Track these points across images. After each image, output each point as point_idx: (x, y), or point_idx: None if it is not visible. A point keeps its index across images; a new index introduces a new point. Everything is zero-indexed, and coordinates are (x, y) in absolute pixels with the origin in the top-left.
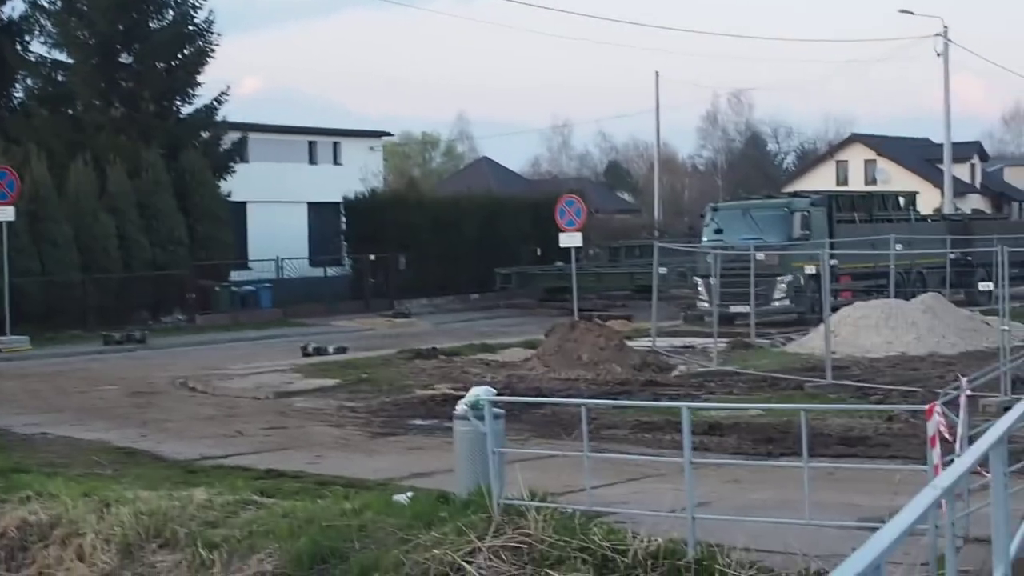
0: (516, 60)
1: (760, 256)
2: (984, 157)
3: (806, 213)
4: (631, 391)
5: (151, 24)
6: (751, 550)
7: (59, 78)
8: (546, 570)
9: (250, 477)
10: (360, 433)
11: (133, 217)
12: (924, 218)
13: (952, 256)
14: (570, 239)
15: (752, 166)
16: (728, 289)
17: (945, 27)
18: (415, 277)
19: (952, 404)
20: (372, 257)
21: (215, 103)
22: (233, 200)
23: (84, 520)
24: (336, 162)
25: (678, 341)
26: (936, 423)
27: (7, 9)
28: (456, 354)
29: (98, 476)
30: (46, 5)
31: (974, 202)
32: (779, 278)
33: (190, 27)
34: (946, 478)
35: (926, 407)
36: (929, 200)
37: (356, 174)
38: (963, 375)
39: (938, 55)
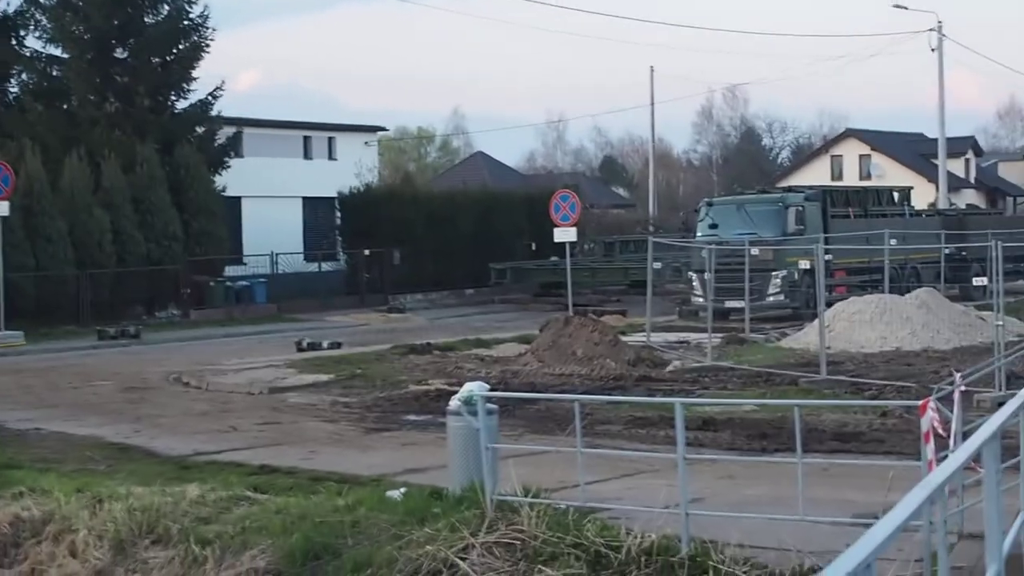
0: (511, 55)
1: (755, 251)
2: (979, 152)
3: (800, 208)
4: (625, 386)
5: (146, 19)
6: (745, 546)
7: (54, 73)
8: (539, 566)
9: (243, 473)
10: (354, 429)
11: (128, 212)
12: (919, 213)
13: (947, 251)
14: (565, 234)
15: (747, 161)
16: (723, 284)
17: (939, 22)
18: (410, 272)
19: (946, 400)
20: (367, 252)
21: (210, 98)
22: (228, 195)
23: (77, 516)
24: (331, 157)
25: (673, 336)
26: (930, 419)
27: (2, 4)
28: (450, 349)
29: (91, 472)
30: (41, 0)
31: (969, 197)
32: (774, 273)
33: (185, 22)
34: (938, 476)
35: (920, 403)
36: (924, 195)
37: (351, 169)
38: (957, 370)
39: (932, 50)
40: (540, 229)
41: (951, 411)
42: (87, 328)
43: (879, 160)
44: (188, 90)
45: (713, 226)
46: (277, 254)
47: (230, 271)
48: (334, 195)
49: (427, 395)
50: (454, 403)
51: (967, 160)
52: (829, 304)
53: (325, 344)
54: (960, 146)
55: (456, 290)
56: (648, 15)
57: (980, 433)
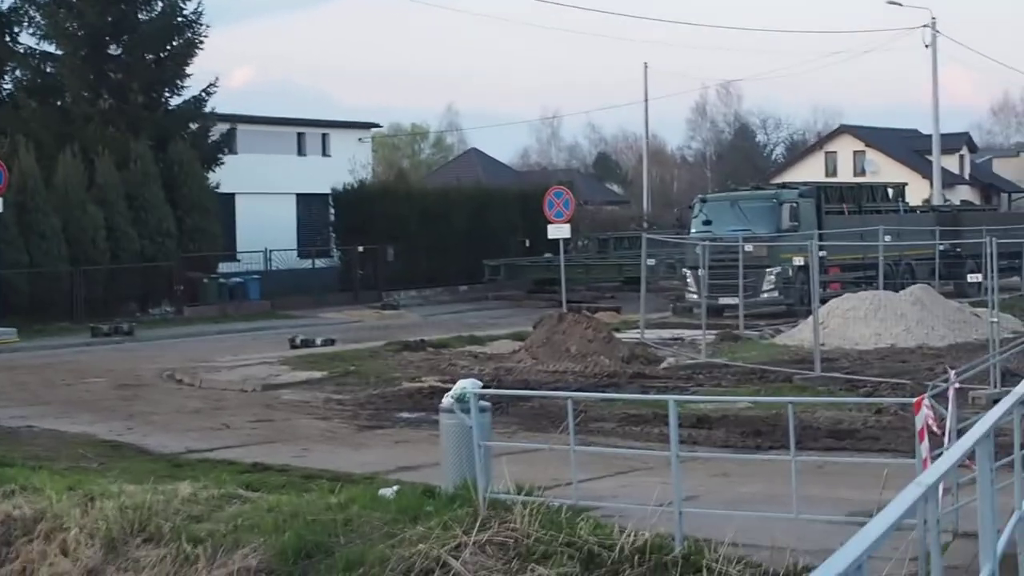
0: (506, 51)
1: (748, 248)
2: (973, 148)
3: (794, 204)
4: (619, 383)
5: (140, 16)
6: (739, 545)
7: (48, 70)
8: (532, 565)
9: (236, 471)
10: (347, 426)
11: (121, 209)
12: (913, 209)
13: (941, 248)
14: (558, 231)
15: (741, 157)
16: (717, 281)
17: (933, 18)
18: (404, 269)
19: (941, 397)
20: (360, 249)
21: (204, 95)
22: (222, 192)
23: (68, 514)
24: (325, 153)
25: (667, 333)
26: (924, 416)
27: None
28: (444, 346)
29: (83, 470)
30: None
31: (963, 193)
32: (768, 270)
33: (179, 19)
34: (930, 475)
35: (914, 400)
36: (918, 191)
37: (345, 166)
38: (952, 368)
39: (926, 47)
40: (534, 226)
41: (946, 408)
42: (81, 325)
43: (873, 156)
44: (182, 87)
45: (707, 222)
46: (271, 251)
47: (224, 268)
48: (328, 192)
49: (420, 392)
50: (447, 400)
51: (961, 156)
52: (823, 301)
53: (318, 341)
54: (954, 142)
55: (450, 287)
56: (643, 11)
57: (974, 431)
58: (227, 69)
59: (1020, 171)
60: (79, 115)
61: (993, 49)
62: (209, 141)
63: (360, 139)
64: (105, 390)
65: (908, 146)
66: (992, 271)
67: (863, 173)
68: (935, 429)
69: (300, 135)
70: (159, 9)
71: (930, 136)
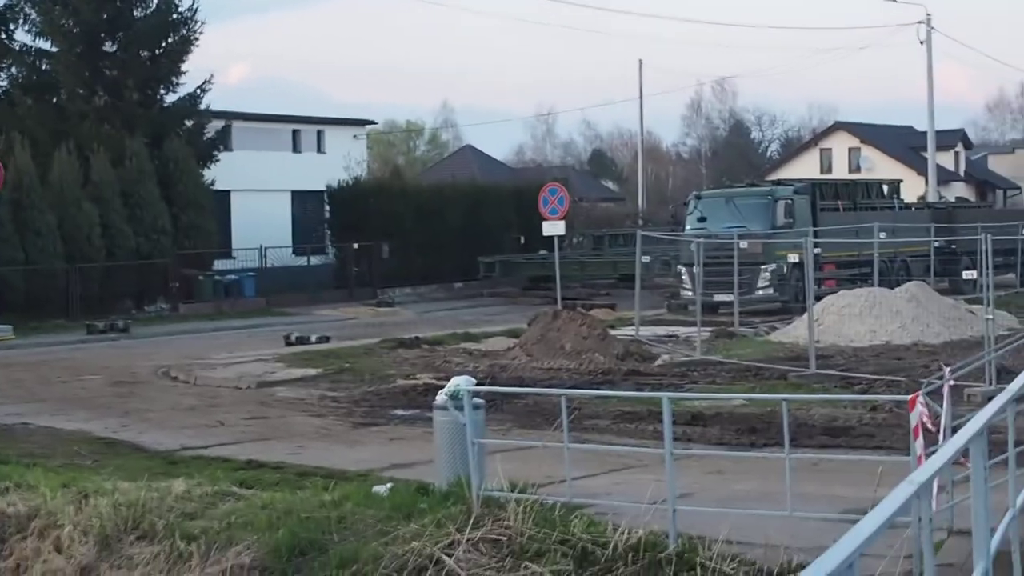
0: (500, 48)
1: (743, 244)
2: (968, 145)
3: (789, 201)
4: (614, 380)
5: (135, 12)
6: (733, 542)
7: (43, 67)
8: (525, 562)
9: (230, 468)
10: (341, 423)
11: (117, 206)
12: (908, 206)
13: (936, 244)
14: (553, 227)
15: (736, 154)
16: (712, 278)
17: (928, 14)
18: (399, 266)
19: (936, 394)
20: (355, 246)
21: (199, 92)
22: (217, 189)
23: (62, 511)
24: (320, 151)
25: (662, 330)
26: (919, 414)
27: None
28: (439, 343)
29: (78, 467)
30: None
31: (958, 190)
32: (763, 267)
33: (174, 15)
34: (922, 473)
35: (909, 397)
36: (913, 188)
37: (340, 162)
38: (947, 365)
39: (921, 43)
40: (529, 223)
41: (940, 406)
42: (76, 322)
43: (868, 153)
44: (177, 84)
45: (702, 219)
46: (266, 248)
47: (219, 265)
48: (323, 189)
49: (415, 389)
50: (440, 398)
51: (957, 153)
52: (818, 298)
53: (313, 338)
54: (950, 139)
55: (445, 284)
56: (637, 7)
57: (967, 429)
58: (222, 66)
59: (1015, 168)
60: (74, 112)
61: (988, 45)
62: (204, 138)
63: (355, 136)
64: (100, 387)
65: (903, 143)
66: (987, 268)
67: (858, 170)
68: (930, 426)
69: (295, 132)
70: (154, 6)
71: (925, 133)
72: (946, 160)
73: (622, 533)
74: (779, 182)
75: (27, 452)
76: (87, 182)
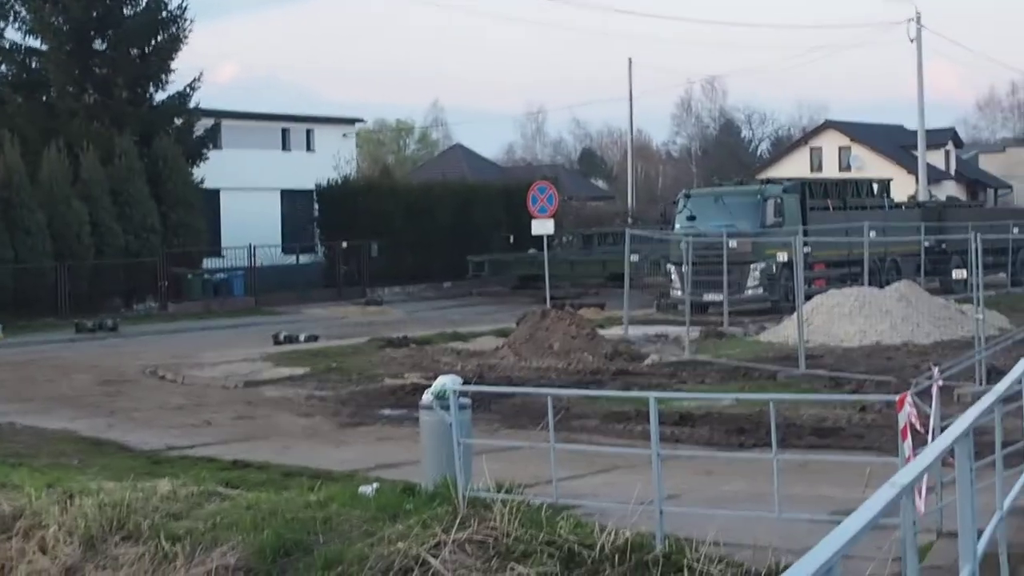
0: (490, 47)
1: (733, 243)
2: (959, 144)
3: (779, 200)
4: (602, 380)
5: (124, 11)
6: (720, 544)
7: (33, 65)
8: (512, 564)
9: (216, 468)
10: (328, 423)
11: (106, 204)
12: (898, 205)
13: (927, 244)
14: (542, 226)
15: (726, 153)
16: (701, 277)
17: (918, 13)
18: (388, 265)
19: (925, 394)
20: (345, 245)
21: (188, 90)
22: (206, 187)
23: (47, 512)
24: (309, 149)
25: (651, 330)
26: (907, 414)
27: None
28: (427, 342)
29: (64, 467)
30: None
31: (949, 189)
32: (752, 266)
33: (163, 14)
34: (906, 475)
35: (898, 397)
36: (904, 187)
37: (329, 161)
38: (936, 365)
39: (911, 41)
40: (518, 221)
41: (929, 406)
42: (65, 321)
43: (859, 152)
44: (166, 82)
45: (691, 218)
46: (255, 247)
47: (208, 264)
48: (312, 187)
49: (403, 389)
50: (427, 397)
51: (947, 152)
52: (808, 297)
53: (302, 337)
54: (940, 138)
55: (434, 283)
56: (627, 6)
57: (952, 430)
58: (212, 65)
59: (1006, 167)
60: (64, 110)
61: (978, 44)
62: (193, 136)
63: (344, 135)
64: (88, 386)
65: (894, 141)
66: (977, 267)
67: (848, 169)
68: (918, 427)
69: (284, 131)
70: (143, 4)
71: (916, 131)
72: (937, 159)
73: (609, 534)
74: (768, 181)
75: (13, 452)
76: (77, 180)
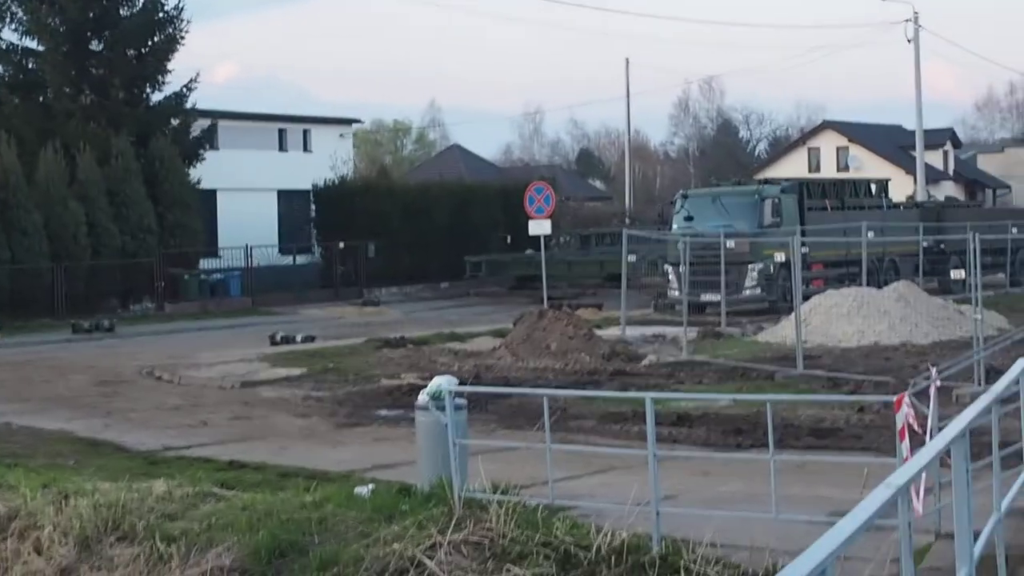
0: (488, 47)
1: (730, 244)
2: (957, 144)
3: (776, 200)
4: (600, 381)
5: (121, 11)
6: (717, 545)
7: (30, 66)
8: (508, 565)
9: (212, 468)
10: (325, 423)
11: (102, 205)
12: (897, 205)
13: (925, 244)
14: (539, 227)
15: (724, 153)
16: (699, 277)
17: (916, 13)
18: (385, 265)
19: (923, 395)
20: (341, 245)
21: (185, 90)
22: (203, 188)
23: (42, 512)
24: (306, 149)
25: (648, 330)
26: (904, 415)
27: None
28: (425, 343)
29: (60, 467)
30: None
31: (947, 189)
32: (750, 266)
33: (160, 14)
34: (901, 476)
35: (895, 398)
36: (902, 187)
37: (326, 162)
38: (934, 365)
39: (909, 42)
40: (515, 222)
41: (928, 406)
42: (62, 321)
43: (857, 152)
44: (163, 83)
45: (689, 218)
46: (252, 247)
47: (205, 264)
48: (309, 188)
49: (399, 389)
50: (422, 398)
51: (945, 152)
52: (806, 297)
53: (299, 338)
54: (938, 138)
55: (431, 283)
56: (625, 6)
57: (948, 430)
58: (209, 66)
59: (1004, 167)
60: (60, 111)
61: (977, 44)
62: (190, 137)
63: (341, 135)
64: (84, 387)
65: (892, 142)
66: (976, 268)
67: (846, 169)
68: (916, 428)
69: (281, 131)
70: (140, 5)
71: (914, 132)
72: (935, 159)
73: (605, 535)
74: (766, 181)
75: (9, 452)
76: (73, 181)
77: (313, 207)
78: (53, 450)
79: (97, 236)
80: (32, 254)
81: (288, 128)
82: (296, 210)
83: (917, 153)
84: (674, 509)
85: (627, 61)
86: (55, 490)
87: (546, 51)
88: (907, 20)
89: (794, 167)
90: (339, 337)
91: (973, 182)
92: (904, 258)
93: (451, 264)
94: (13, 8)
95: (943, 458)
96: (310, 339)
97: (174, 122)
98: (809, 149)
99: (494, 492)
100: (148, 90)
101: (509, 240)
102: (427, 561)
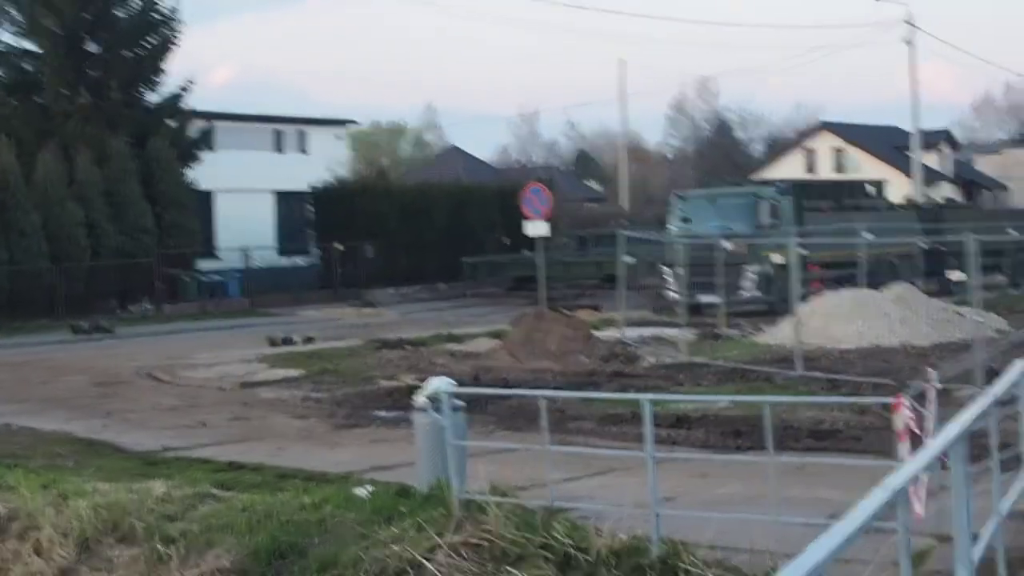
0: (485, 49)
1: (728, 245)
2: (954, 145)
3: (774, 201)
4: (598, 382)
5: (118, 12)
6: (717, 547)
7: (27, 67)
8: (507, 568)
9: (210, 469)
10: (323, 425)
11: (100, 205)
12: (894, 207)
13: (923, 245)
14: (536, 228)
15: (721, 155)
16: (696, 279)
17: (911, 14)
18: (383, 266)
19: (922, 397)
20: (339, 246)
21: (182, 91)
22: (201, 189)
23: (42, 513)
24: (303, 151)
25: (647, 331)
26: (903, 417)
27: None
28: (423, 344)
29: (58, 468)
30: None
31: (945, 190)
32: (748, 267)
33: (156, 15)
34: (898, 478)
35: (894, 400)
36: (900, 188)
37: (323, 163)
38: (933, 367)
39: (906, 43)
40: (513, 223)
41: (928, 408)
42: (60, 322)
43: (854, 153)
44: (160, 84)
45: (686, 220)
46: (250, 248)
47: (203, 265)
48: (306, 189)
49: (398, 391)
50: (420, 399)
51: (943, 153)
52: (804, 299)
53: (297, 339)
54: (936, 139)
55: (429, 284)
56: (621, 7)
57: (946, 432)
58: (206, 67)
59: (1002, 168)
60: (58, 112)
61: (974, 45)
62: (187, 138)
63: (337, 136)
64: (83, 387)
65: (889, 143)
66: (975, 269)
67: (844, 170)
68: (915, 429)
69: (278, 132)
70: (137, 6)
71: (911, 133)
72: (932, 160)
73: (604, 537)
74: (764, 182)
75: (8, 453)
76: (71, 182)
77: (311, 208)
78: (52, 451)
79: (95, 237)
80: (30, 255)
81: (285, 129)
82: (294, 211)
83: (914, 154)
84: (673, 511)
85: (623, 62)
86: (54, 491)
87: (543, 53)
88: (904, 21)
89: (791, 168)
90: (337, 338)
91: (971, 183)
92: (902, 259)
93: (449, 265)
94: (10, 10)
95: (943, 460)
96: (308, 340)
97: (171, 123)
98: (806, 150)
99: (493, 494)
100: (145, 91)
101: (507, 241)
102: (426, 563)
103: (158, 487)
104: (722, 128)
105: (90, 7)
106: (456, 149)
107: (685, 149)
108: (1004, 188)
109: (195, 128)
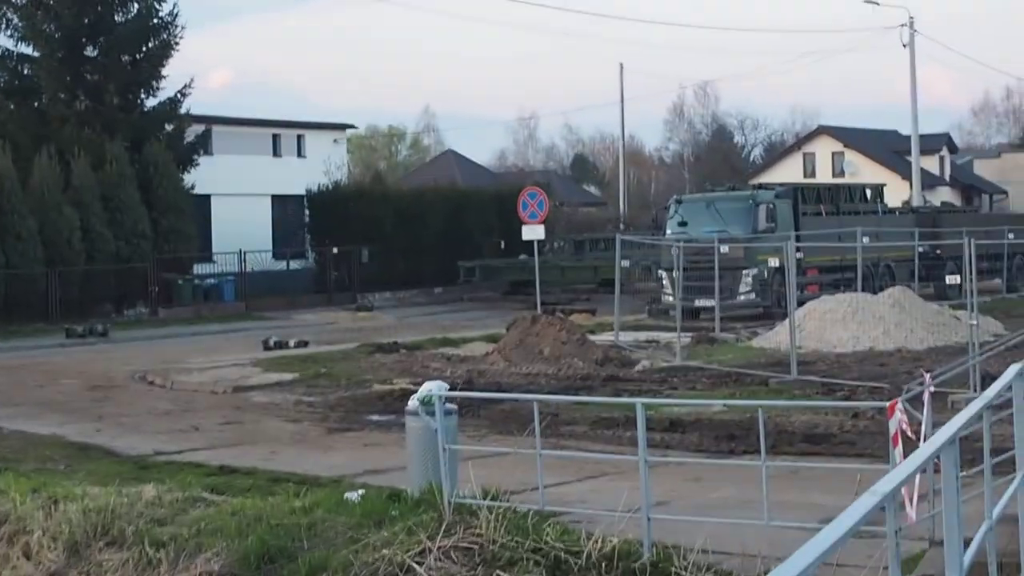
0: (482, 53)
1: (724, 249)
2: (953, 149)
3: (771, 205)
4: (593, 386)
5: (116, 17)
6: (709, 552)
7: (25, 71)
8: (497, 571)
9: (202, 473)
10: (316, 428)
11: (97, 210)
12: (892, 211)
13: (920, 249)
14: (532, 232)
15: (719, 158)
16: (692, 283)
17: (911, 17)
18: (379, 270)
19: (917, 400)
20: (335, 250)
21: (179, 96)
22: (197, 193)
23: (32, 517)
24: (300, 155)
25: (642, 335)
26: (898, 421)
27: None
28: (417, 348)
29: (50, 472)
30: None
31: (944, 194)
32: (744, 271)
33: (154, 20)
34: (888, 483)
35: (888, 404)
36: (897, 192)
37: (320, 167)
38: (928, 371)
39: (904, 46)
40: (509, 227)
41: (921, 412)
42: (56, 326)
43: (852, 157)
44: (157, 88)
45: (682, 224)
46: (246, 252)
47: (199, 269)
48: (303, 193)
49: (391, 395)
50: (412, 403)
51: (941, 157)
52: (801, 303)
53: (292, 343)
54: (934, 143)
55: (425, 288)
56: (620, 11)
57: (938, 437)
58: (204, 71)
59: (1001, 172)
60: (55, 116)
61: (973, 49)
62: (184, 142)
63: (335, 140)
64: (77, 391)
65: (887, 147)
66: (972, 273)
67: (842, 174)
68: (909, 434)
69: (275, 136)
70: (135, 11)
71: (909, 137)
72: (931, 164)
73: (596, 542)
74: (761, 186)
75: None
76: (68, 186)
77: (307, 212)
78: (44, 454)
79: (91, 241)
80: (26, 259)
81: (282, 133)
82: (290, 215)
83: (913, 158)
84: (665, 515)
85: (621, 66)
86: (45, 495)
87: (541, 57)
88: (903, 25)
89: (789, 172)
90: (332, 342)
91: (969, 187)
92: (899, 263)
93: (445, 269)
94: (8, 14)
95: (937, 464)
96: (303, 344)
97: (168, 127)
98: (804, 154)
99: (484, 498)
100: (143, 96)
101: (503, 245)
102: (416, 567)
103: (149, 491)
104: (720, 132)
105: (88, 11)
106: (453, 153)
107: (683, 153)
108: (1003, 192)
109: (192, 132)
